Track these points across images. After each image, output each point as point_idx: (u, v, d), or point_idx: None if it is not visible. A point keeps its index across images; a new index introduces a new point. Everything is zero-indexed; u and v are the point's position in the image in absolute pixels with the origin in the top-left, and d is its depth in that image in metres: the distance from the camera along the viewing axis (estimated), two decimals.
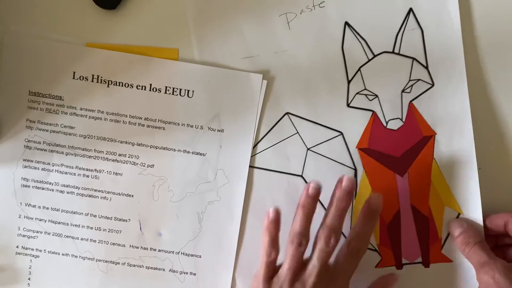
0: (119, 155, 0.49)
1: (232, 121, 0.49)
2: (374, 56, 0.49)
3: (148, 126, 0.49)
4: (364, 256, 0.47)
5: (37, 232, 0.49)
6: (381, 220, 0.50)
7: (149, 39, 0.49)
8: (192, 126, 0.49)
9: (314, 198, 0.45)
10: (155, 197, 0.49)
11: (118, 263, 0.50)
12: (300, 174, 0.49)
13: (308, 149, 0.49)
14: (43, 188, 0.49)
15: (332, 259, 0.45)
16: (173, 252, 0.50)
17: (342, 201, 0.44)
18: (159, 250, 0.50)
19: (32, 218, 0.49)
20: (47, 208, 0.49)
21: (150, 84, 0.48)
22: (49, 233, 0.49)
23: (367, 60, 0.49)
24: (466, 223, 0.48)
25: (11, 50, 0.48)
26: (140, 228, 0.49)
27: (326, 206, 0.48)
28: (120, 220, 0.49)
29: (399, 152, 0.49)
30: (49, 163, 0.49)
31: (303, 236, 0.44)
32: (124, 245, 0.50)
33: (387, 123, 0.49)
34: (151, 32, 0.49)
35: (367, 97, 0.49)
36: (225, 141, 0.49)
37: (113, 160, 0.49)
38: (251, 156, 0.49)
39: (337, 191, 0.45)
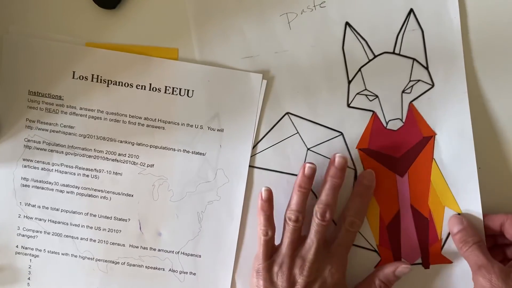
0: (119, 154, 0.49)
1: (232, 121, 0.49)
2: (375, 56, 0.49)
3: (148, 125, 0.49)
4: (363, 256, 0.49)
5: (37, 231, 0.49)
6: (381, 221, 0.50)
7: (149, 39, 0.48)
8: (192, 126, 0.49)
9: (310, 178, 0.47)
10: (155, 197, 0.49)
11: (118, 262, 0.50)
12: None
13: (308, 149, 0.49)
14: (42, 188, 0.49)
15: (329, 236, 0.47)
16: (172, 251, 0.50)
17: (336, 178, 0.46)
18: (159, 250, 0.50)
19: (31, 218, 0.49)
20: (47, 208, 0.49)
21: (150, 84, 0.48)
22: (48, 233, 0.49)
23: (367, 60, 0.49)
24: (466, 221, 0.48)
25: (11, 50, 0.48)
26: (140, 227, 0.49)
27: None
28: (119, 219, 0.49)
29: (399, 153, 0.49)
30: (48, 163, 0.49)
31: (299, 213, 0.46)
32: (124, 245, 0.50)
33: (387, 123, 0.49)
34: (151, 32, 0.48)
35: (367, 98, 0.49)
36: (225, 140, 0.49)
37: (112, 160, 0.49)
38: (251, 156, 0.49)
39: (331, 168, 0.47)
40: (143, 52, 0.48)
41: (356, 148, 0.49)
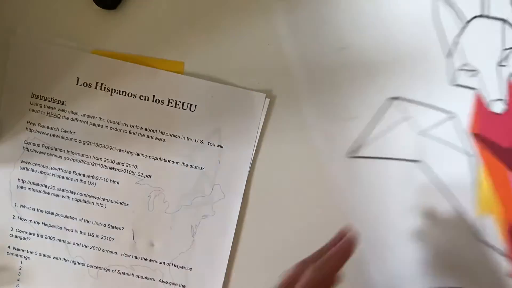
0: (117, 163, 0.49)
1: (232, 138, 0.49)
2: (467, 22, 0.43)
3: (148, 136, 0.49)
4: (491, 262, 0.45)
5: (30, 234, 0.49)
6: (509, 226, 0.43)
7: (148, 38, 0.49)
8: (192, 140, 0.49)
9: None
10: (150, 207, 0.49)
11: (109, 270, 0.50)
12: (416, 159, 0.46)
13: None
14: (39, 191, 0.49)
15: None
16: (164, 263, 0.50)
17: None
18: (151, 260, 0.50)
19: (25, 220, 0.49)
20: (42, 211, 0.49)
21: (154, 96, 0.49)
22: (41, 236, 0.49)
23: (460, 29, 0.44)
24: None
25: (17, 52, 0.48)
26: (133, 237, 0.50)
27: None
28: (113, 227, 0.49)
29: (508, 142, 0.42)
30: (46, 166, 0.49)
31: None
32: (116, 253, 0.50)
33: (489, 105, 0.43)
34: (150, 32, 0.49)
35: (468, 73, 0.43)
36: (224, 156, 0.49)
37: (110, 168, 0.49)
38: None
39: None
40: (149, 64, 0.48)
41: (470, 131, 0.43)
